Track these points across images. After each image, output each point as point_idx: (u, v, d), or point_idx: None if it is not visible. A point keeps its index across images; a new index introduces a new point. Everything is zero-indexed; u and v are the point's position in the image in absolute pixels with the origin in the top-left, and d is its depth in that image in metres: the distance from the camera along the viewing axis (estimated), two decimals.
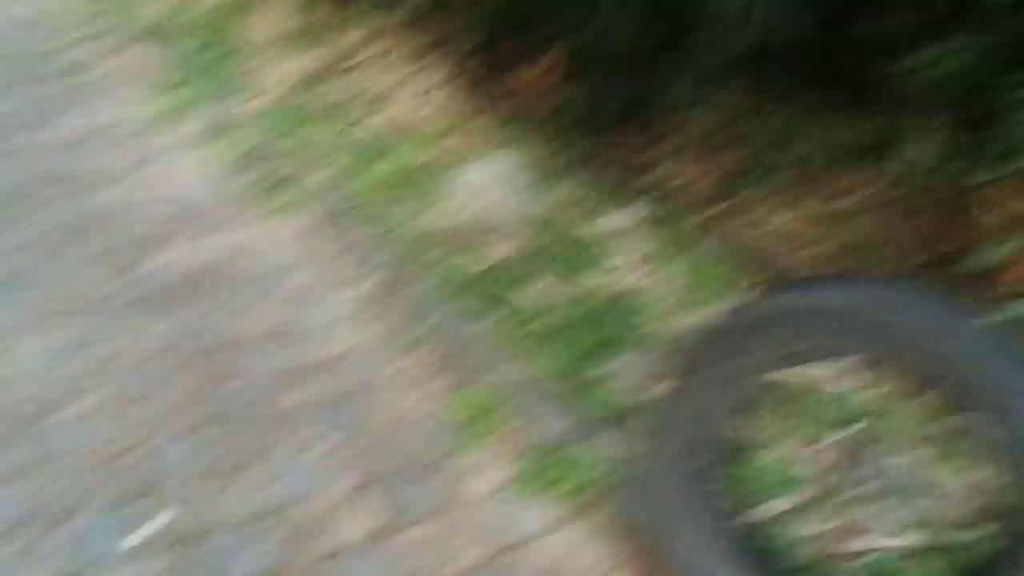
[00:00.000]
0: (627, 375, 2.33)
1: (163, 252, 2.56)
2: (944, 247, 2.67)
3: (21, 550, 1.57)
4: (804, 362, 1.84)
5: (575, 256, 2.88)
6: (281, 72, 3.80)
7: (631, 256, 2.98)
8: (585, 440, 2.01)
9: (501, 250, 2.83)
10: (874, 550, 1.69)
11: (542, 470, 1.92)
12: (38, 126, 3.20)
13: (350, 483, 1.83)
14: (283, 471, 1.83)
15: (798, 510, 1.76)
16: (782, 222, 3.26)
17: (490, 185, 3.07)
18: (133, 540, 1.63)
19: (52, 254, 2.48)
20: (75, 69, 3.65)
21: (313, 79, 3.77)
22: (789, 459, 1.82)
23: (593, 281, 2.75)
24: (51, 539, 1.61)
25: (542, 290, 2.66)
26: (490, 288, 2.57)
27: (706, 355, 1.66)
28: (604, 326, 2.51)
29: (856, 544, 1.71)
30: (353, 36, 3.90)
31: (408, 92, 3.66)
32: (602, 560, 1.75)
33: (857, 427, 1.92)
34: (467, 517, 1.81)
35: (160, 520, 1.67)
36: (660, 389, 1.84)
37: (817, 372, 1.94)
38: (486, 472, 1.93)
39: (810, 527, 1.75)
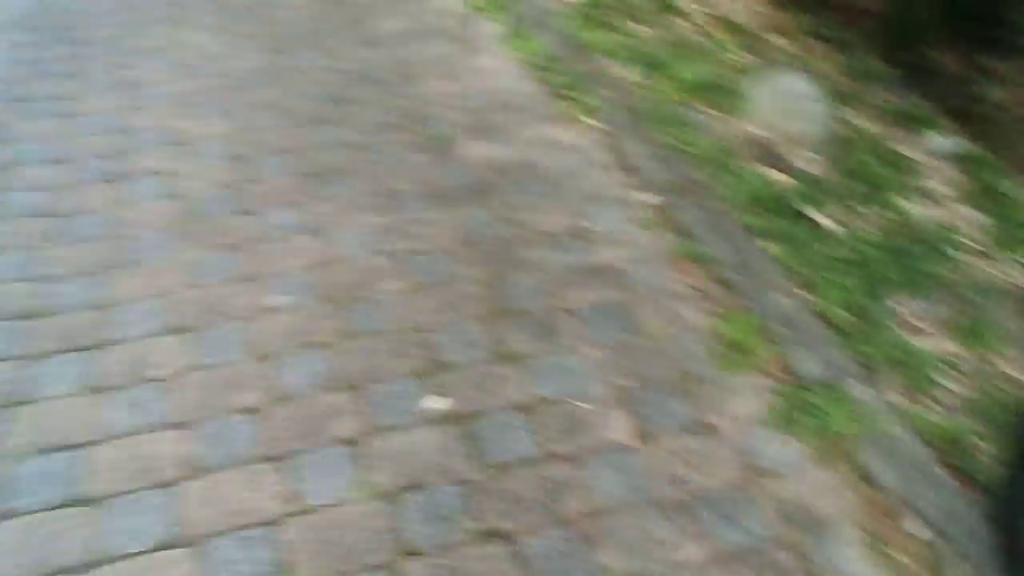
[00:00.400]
0: (921, 319, 2.20)
1: (469, 146, 2.78)
2: None
3: (329, 405, 1.89)
4: None
5: (883, 180, 2.70)
6: None
7: (946, 188, 2.74)
8: (858, 383, 1.95)
9: (804, 165, 2.72)
10: None
11: (805, 406, 1.91)
12: (379, 15, 3.53)
13: (619, 386, 1.96)
14: (558, 367, 2.00)
15: None
16: None
17: (802, 96, 2.94)
18: (429, 407, 1.89)
19: (372, 145, 2.79)
20: None
21: None
22: None
23: (899, 210, 2.57)
24: (359, 397, 1.91)
25: (842, 213, 2.53)
26: (787, 204, 2.50)
27: None
28: (903, 263, 2.37)
29: None
30: None
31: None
32: (847, 510, 1.73)
33: None
34: (723, 438, 1.87)
35: (446, 401, 1.92)
36: None
37: None
38: (747, 398, 1.96)
39: None
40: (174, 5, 3.67)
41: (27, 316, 2.11)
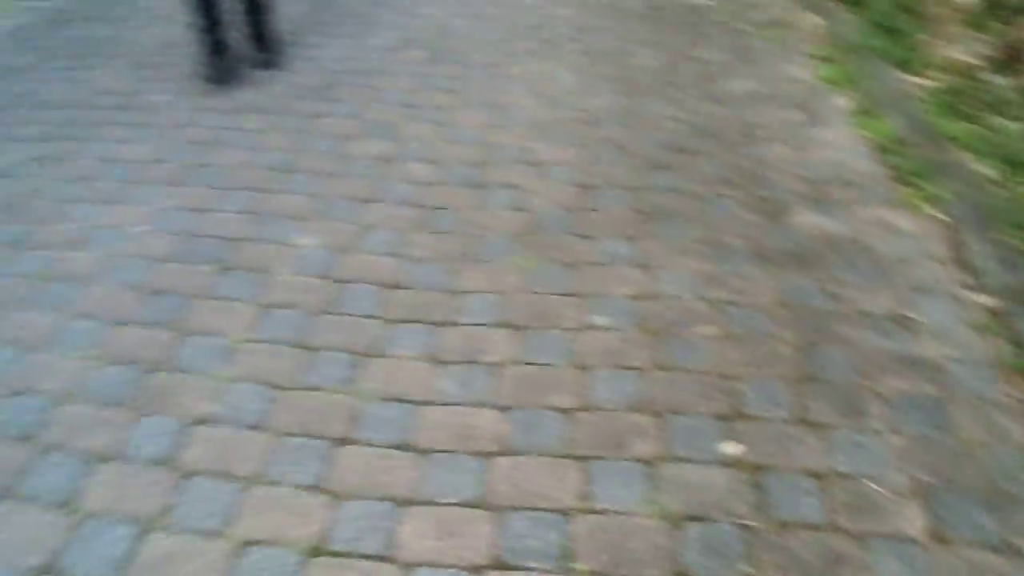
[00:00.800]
0: None
1: (801, 215, 2.84)
2: None
3: (633, 424, 2.05)
4: None
5: None
6: (963, 50, 3.70)
7: None
8: None
9: None
10: None
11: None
12: (725, 74, 3.69)
13: (919, 480, 1.93)
14: (857, 445, 2.01)
15: None
16: None
17: None
18: (724, 450, 2.00)
19: (707, 196, 2.94)
20: (775, 25, 4.05)
21: (997, 63, 3.59)
22: None
23: None
24: (661, 424, 2.06)
25: None
26: None
27: None
28: None
29: None
30: None
31: None
32: None
33: None
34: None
35: (741, 447, 2.01)
36: None
37: None
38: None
39: None
40: (545, 43, 4.09)
41: (391, 286, 2.50)
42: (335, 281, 2.53)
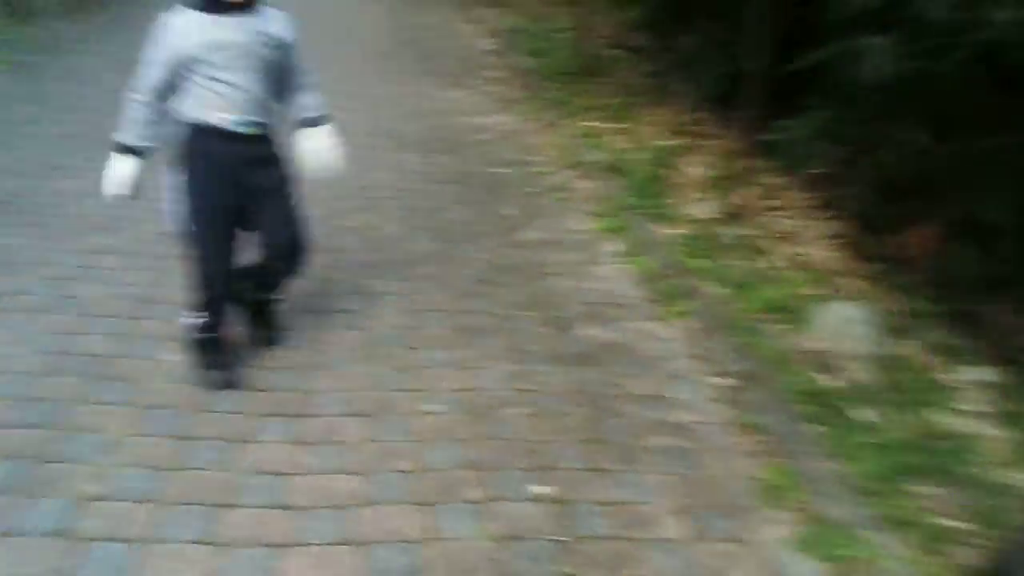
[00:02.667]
0: (935, 500, 2.81)
1: (584, 328, 3.65)
2: None
3: (461, 478, 2.65)
4: None
5: (921, 395, 3.38)
6: (699, 208, 4.84)
7: (976, 407, 3.39)
8: (870, 532, 2.58)
9: (852, 376, 3.44)
10: None
11: (824, 539, 2.54)
12: (520, 227, 4.59)
13: (679, 502, 2.65)
14: (634, 483, 2.71)
15: None
16: None
17: (855, 323, 3.70)
18: (534, 491, 2.64)
19: (509, 317, 3.70)
20: (555, 189, 5.06)
21: (724, 218, 4.73)
22: None
23: (929, 420, 3.23)
24: (491, 475, 2.67)
25: (880, 414, 3.22)
26: (832, 402, 3.22)
27: None
28: (929, 456, 3.00)
29: None
30: (758, 189, 4.82)
31: (796, 238, 4.46)
32: None
33: None
34: (755, 550, 2.51)
35: (547, 488, 2.66)
36: None
37: None
38: (778, 526, 2.61)
39: None
40: (370, 200, 4.84)
41: (255, 390, 3.02)
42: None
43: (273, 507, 2.45)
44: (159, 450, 2.63)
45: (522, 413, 2.98)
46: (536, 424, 2.92)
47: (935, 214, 4.09)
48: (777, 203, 5.05)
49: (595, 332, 3.59)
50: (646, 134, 6.10)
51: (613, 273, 4.14)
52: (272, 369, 3.12)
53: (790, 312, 3.87)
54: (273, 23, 2.68)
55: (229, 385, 2.97)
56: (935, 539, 2.61)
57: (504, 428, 2.88)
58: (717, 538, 2.51)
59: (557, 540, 2.44)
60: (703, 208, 4.98)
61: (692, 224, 4.73)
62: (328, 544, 2.34)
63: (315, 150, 2.92)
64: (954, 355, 3.77)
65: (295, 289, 3.39)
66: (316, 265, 3.60)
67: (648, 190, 5.05)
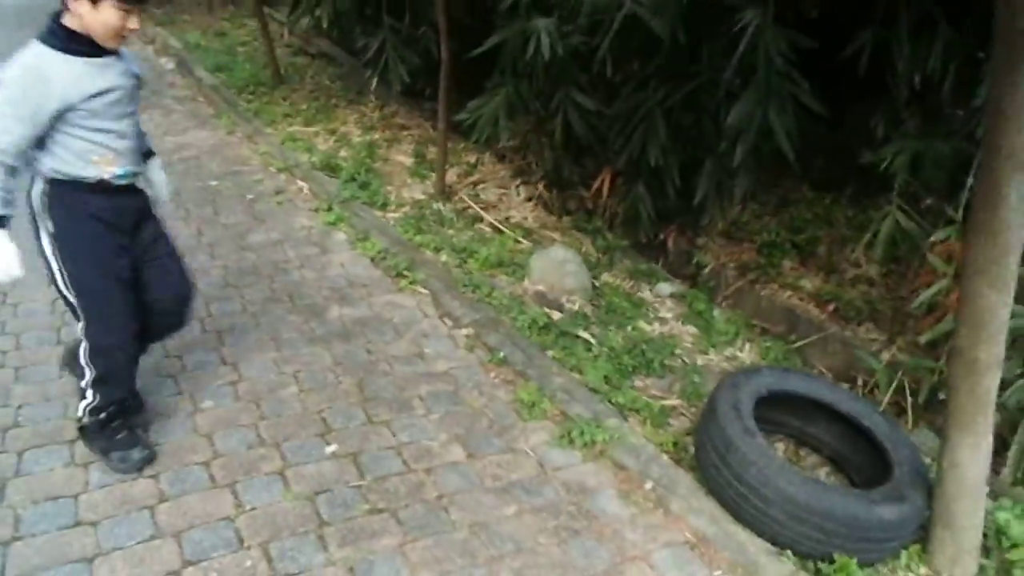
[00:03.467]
0: (654, 389, 3.46)
1: (336, 309, 3.92)
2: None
3: (261, 455, 2.85)
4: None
5: (627, 312, 4.06)
6: (412, 191, 5.27)
7: (669, 315, 4.15)
8: (612, 419, 3.15)
9: (571, 307, 4.05)
10: None
11: (575, 432, 3.07)
12: (249, 232, 4.72)
13: (454, 433, 3.04)
14: (411, 426, 3.06)
15: None
16: (781, 296, 4.38)
17: (565, 264, 4.32)
18: (327, 451, 2.90)
19: (263, 313, 3.88)
20: (275, 192, 5.22)
21: (436, 196, 5.20)
22: None
23: (639, 329, 3.91)
24: (284, 446, 2.88)
25: (599, 332, 3.84)
26: (561, 329, 3.78)
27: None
28: (643, 356, 3.65)
29: None
30: (462, 167, 5.36)
31: (502, 205, 5.06)
32: (608, 481, 2.86)
33: None
34: (526, 454, 2.98)
35: (336, 446, 2.94)
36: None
37: None
38: (540, 432, 3.11)
39: None
40: None
41: None
42: None
43: (69, 527, 2.47)
44: None
45: (296, 392, 3.21)
46: (312, 397, 3.17)
47: (610, 164, 4.86)
48: (479, 177, 5.63)
49: (346, 311, 3.88)
50: (350, 132, 6.43)
51: (348, 259, 4.44)
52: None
53: (510, 265, 4.42)
54: (133, 61, 2.48)
55: (151, 459, 2.77)
56: (659, 416, 3.27)
57: (283, 407, 3.09)
58: (492, 453, 2.95)
59: (358, 485, 2.72)
60: (416, 191, 5.43)
61: (409, 206, 5.16)
62: (139, 543, 2.42)
63: (161, 180, 2.83)
64: (645, 277, 4.56)
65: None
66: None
67: (363, 182, 5.38)
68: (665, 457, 2.99)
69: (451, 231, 4.77)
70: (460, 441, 2.97)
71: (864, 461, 2.99)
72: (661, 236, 5.03)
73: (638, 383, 3.55)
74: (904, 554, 2.71)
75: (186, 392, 3.14)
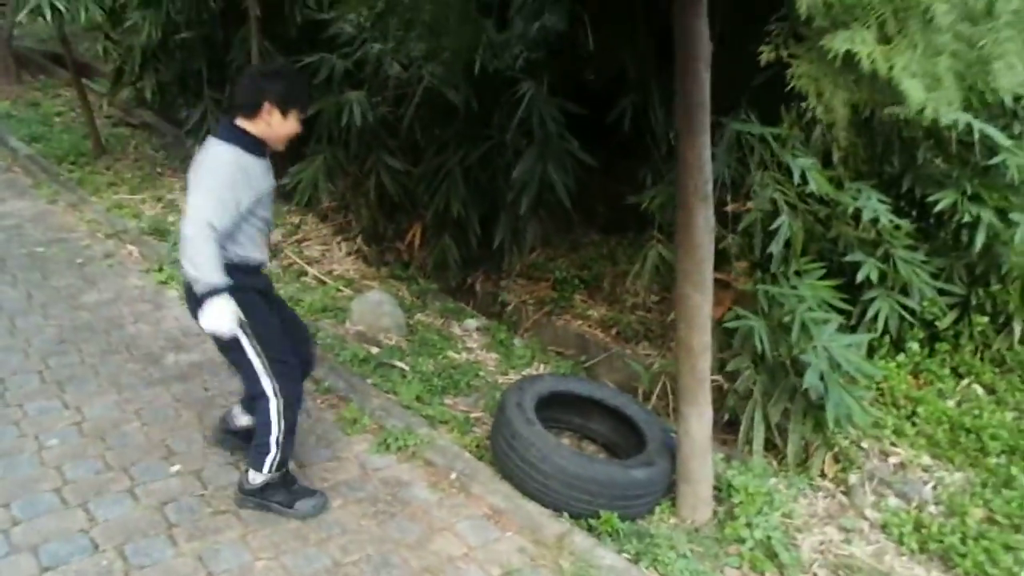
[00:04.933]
0: (461, 404, 4.11)
1: (173, 355, 4.33)
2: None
3: (111, 479, 3.26)
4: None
5: (438, 344, 4.71)
6: None
7: (476, 344, 4.84)
8: (424, 429, 3.76)
9: (387, 343, 4.66)
10: None
11: (391, 440, 3.66)
12: (81, 293, 5.04)
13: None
14: (244, 447, 3.55)
15: None
16: (573, 324, 5.18)
17: (381, 305, 4.94)
18: (171, 470, 3.35)
19: (101, 363, 4.23)
20: (105, 256, 5.55)
21: None
22: None
23: (449, 358, 4.56)
24: (132, 470, 3.30)
25: (414, 361, 4.46)
26: (378, 360, 4.38)
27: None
28: (451, 379, 4.31)
29: None
30: (287, 227, 5.92)
31: (326, 259, 5.65)
32: (420, 476, 3.46)
33: None
34: (350, 460, 3.54)
35: (179, 466, 3.38)
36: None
37: None
38: (361, 443, 3.67)
39: None
40: None
41: None
42: None
43: None
44: None
45: (139, 425, 3.61)
46: (154, 430, 3.59)
47: (420, 218, 5.56)
48: (303, 235, 6.19)
49: (182, 357, 4.31)
50: (177, 199, 6.80)
51: (181, 313, 4.84)
52: None
53: (333, 310, 5.00)
54: None
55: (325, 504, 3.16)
56: (464, 424, 3.91)
57: (127, 439, 3.49)
58: (321, 461, 3.49)
59: (201, 494, 3.19)
60: None
61: None
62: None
63: None
64: (455, 314, 5.26)
65: None
66: None
67: None
68: (467, 454, 3.62)
69: (278, 285, 5.28)
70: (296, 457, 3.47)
71: (629, 443, 3.74)
72: (469, 280, 5.76)
73: (447, 400, 4.18)
74: (657, 509, 3.45)
75: (30, 434, 3.47)
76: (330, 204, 6.04)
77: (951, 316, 4.90)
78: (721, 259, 4.51)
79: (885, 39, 1.64)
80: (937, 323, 4.87)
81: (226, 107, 6.03)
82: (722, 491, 3.52)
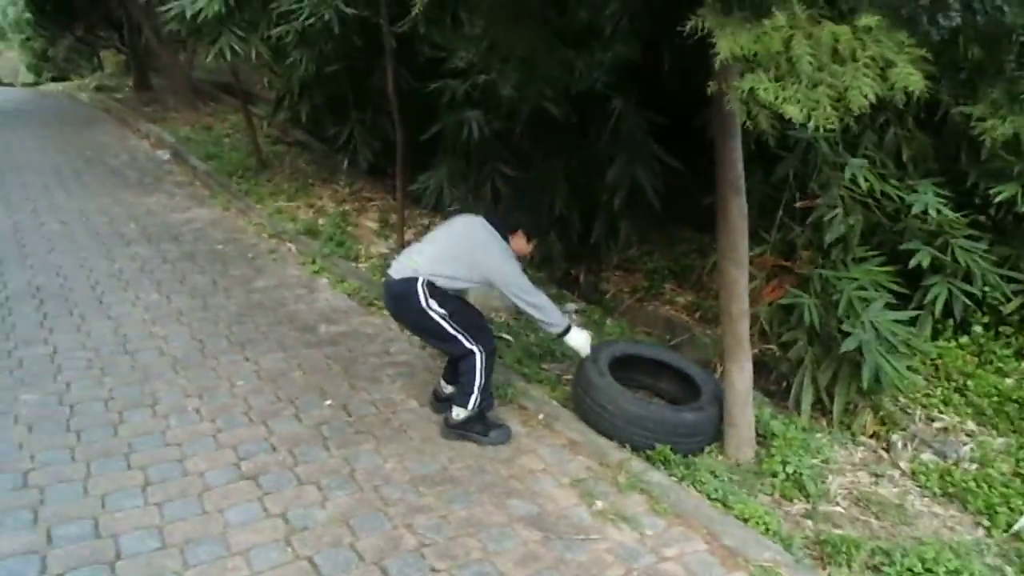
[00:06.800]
0: (556, 368, 5.11)
1: (325, 327, 5.53)
2: None
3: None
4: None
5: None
6: (379, 247, 6.99)
7: (574, 323, 5.79)
8: (521, 382, 4.79)
9: (499, 318, 5.70)
10: None
11: (496, 390, 4.66)
12: (253, 280, 6.39)
13: (409, 393, 4.67)
14: (382, 390, 4.64)
15: None
16: (662, 309, 6.04)
17: (494, 290, 6.00)
18: (327, 403, 4.54)
19: (271, 330, 5.50)
20: (269, 251, 6.92)
21: (395, 251, 6.90)
22: None
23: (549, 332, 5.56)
24: (298, 400, 4.49)
25: (518, 334, 5.48)
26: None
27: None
28: (550, 349, 5.31)
29: None
30: (418, 227, 7.10)
31: None
32: (515, 416, 4.49)
33: None
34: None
35: (333, 401, 4.58)
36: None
37: None
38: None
39: None
40: (126, 281, 6.32)
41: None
42: None
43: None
44: None
45: (300, 374, 4.78)
46: (311, 377, 4.75)
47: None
48: None
49: (332, 328, 5.51)
50: (326, 205, 8.15)
51: (331, 296, 6.09)
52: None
53: None
54: None
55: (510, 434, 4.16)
56: (554, 382, 4.87)
57: (292, 382, 4.63)
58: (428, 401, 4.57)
59: (347, 420, 4.32)
60: (381, 247, 7.13)
61: (376, 258, 6.85)
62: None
63: None
64: (558, 299, 6.23)
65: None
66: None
67: (339, 241, 7.09)
68: (554, 402, 4.59)
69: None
70: (419, 396, 4.56)
71: (689, 397, 4.63)
72: (573, 272, 6.77)
73: (544, 365, 5.18)
74: (708, 449, 4.31)
75: (224, 377, 4.72)
76: (454, 208, 7.19)
77: (1017, 302, 5.42)
78: (789, 249, 5.35)
79: (778, 79, 2.52)
80: (1001, 308, 5.41)
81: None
82: (765, 437, 4.34)
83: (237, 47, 6.62)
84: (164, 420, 4.15)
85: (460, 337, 3.88)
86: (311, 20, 5.63)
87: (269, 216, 7.61)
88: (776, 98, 2.39)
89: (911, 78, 2.45)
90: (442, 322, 3.86)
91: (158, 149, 10.29)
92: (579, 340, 4.08)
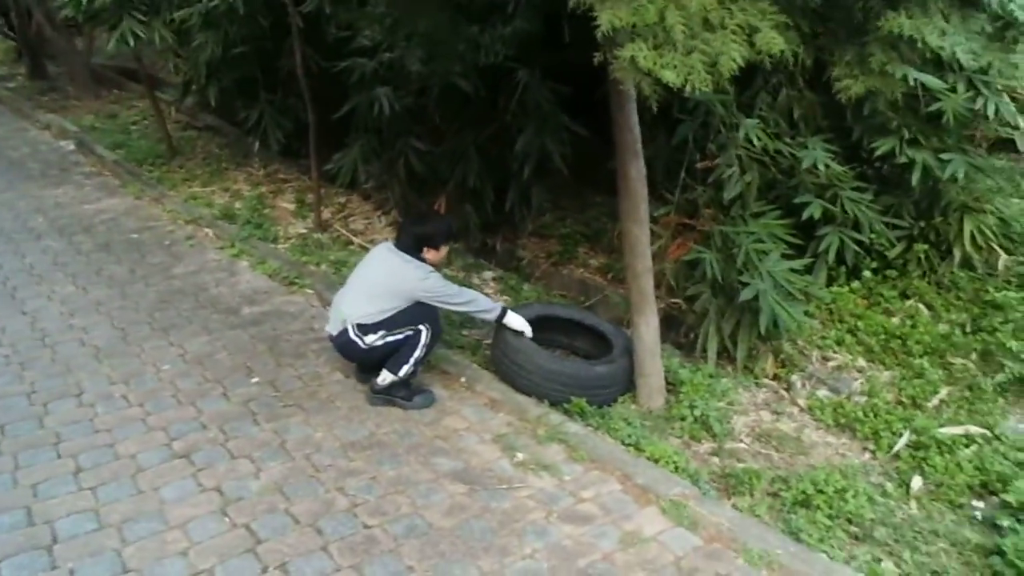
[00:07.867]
0: (476, 334, 5.35)
1: (247, 308, 5.65)
2: None
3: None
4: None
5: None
6: (296, 228, 7.10)
7: (490, 290, 6.04)
8: (443, 349, 5.02)
9: None
10: None
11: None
12: (172, 267, 6.45)
13: (334, 367, 4.86)
14: (307, 365, 4.82)
15: None
16: (576, 272, 6.30)
17: None
18: (252, 380, 4.69)
19: (194, 315, 5.59)
20: (187, 238, 6.97)
21: (316, 229, 7.04)
22: None
23: None
24: (223, 384, 4.65)
25: None
26: None
27: None
28: (469, 316, 5.54)
29: None
30: (334, 207, 7.24)
31: (368, 230, 6.95)
32: (437, 381, 4.73)
33: None
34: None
35: (259, 378, 4.74)
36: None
37: None
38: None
39: None
40: (38, 276, 6.32)
41: None
42: None
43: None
44: None
45: (226, 355, 4.91)
46: (237, 357, 4.88)
47: (444, 191, 6.82)
48: (348, 212, 7.52)
49: (255, 309, 5.62)
50: (241, 188, 8.17)
51: (252, 278, 6.19)
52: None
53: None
54: None
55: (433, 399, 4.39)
56: (475, 346, 5.10)
57: (218, 363, 4.75)
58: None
59: (274, 395, 4.49)
60: (299, 227, 7.24)
61: (295, 239, 6.97)
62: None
63: None
64: (475, 268, 6.49)
65: None
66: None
67: (256, 223, 7.17)
68: (475, 365, 4.83)
69: (328, 252, 6.62)
70: (346, 369, 4.75)
71: (602, 352, 4.94)
72: (490, 242, 7.00)
73: (464, 332, 5.43)
74: (621, 399, 4.62)
75: (149, 363, 4.83)
76: (369, 184, 7.34)
77: (900, 247, 5.89)
78: (692, 208, 5.68)
79: (656, 47, 2.79)
80: (887, 254, 5.87)
81: None
82: (675, 385, 4.67)
83: (139, 32, 6.58)
84: (91, 408, 4.22)
85: (407, 334, 4.22)
86: (215, 2, 5.66)
87: (184, 202, 7.63)
88: (655, 64, 2.64)
89: (774, 42, 2.74)
90: (385, 341, 4.21)
91: (61, 140, 10.09)
92: (517, 321, 4.40)
